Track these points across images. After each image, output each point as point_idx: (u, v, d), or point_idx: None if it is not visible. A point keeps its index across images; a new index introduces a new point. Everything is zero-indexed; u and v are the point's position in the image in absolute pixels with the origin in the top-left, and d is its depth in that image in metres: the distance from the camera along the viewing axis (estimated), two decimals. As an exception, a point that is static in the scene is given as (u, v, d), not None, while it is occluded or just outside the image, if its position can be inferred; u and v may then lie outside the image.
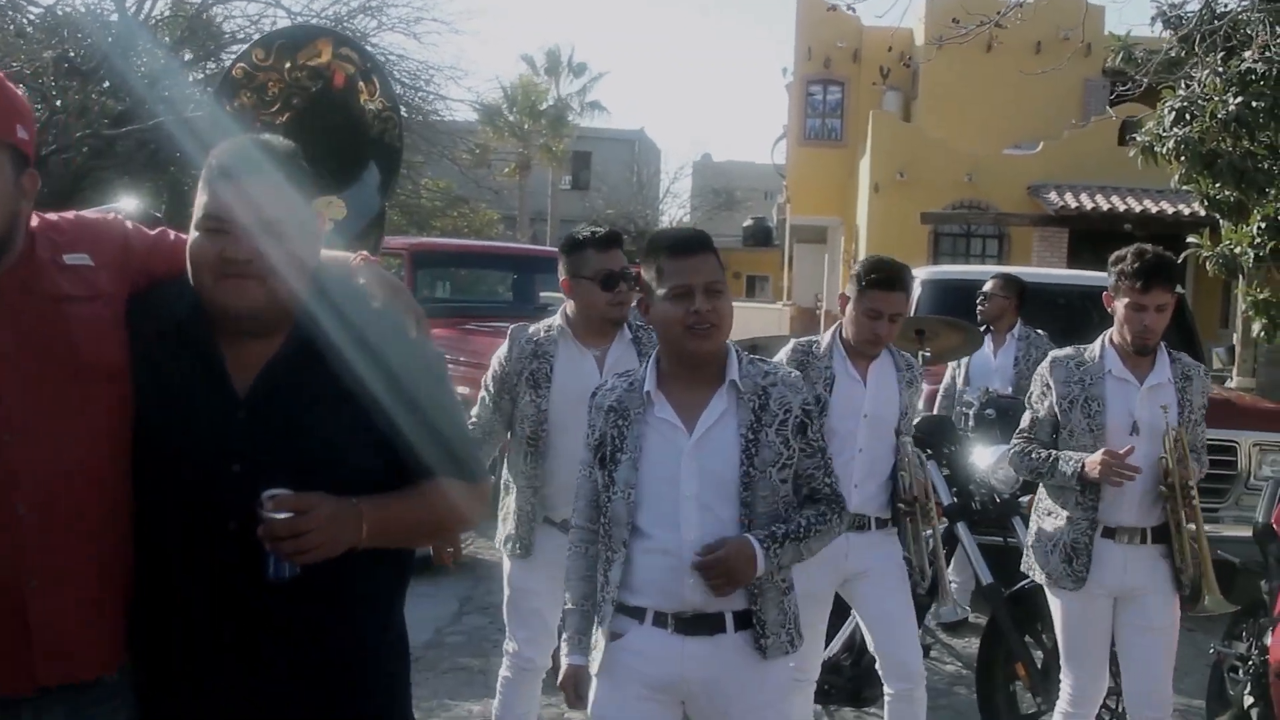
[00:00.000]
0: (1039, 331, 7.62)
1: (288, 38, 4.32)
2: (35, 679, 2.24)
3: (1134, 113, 22.37)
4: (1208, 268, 10.88)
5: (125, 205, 4.22)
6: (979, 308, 7.65)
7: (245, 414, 2.32)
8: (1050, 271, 13.55)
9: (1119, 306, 4.38)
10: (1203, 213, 19.64)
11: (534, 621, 4.53)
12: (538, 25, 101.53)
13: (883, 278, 4.47)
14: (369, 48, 15.72)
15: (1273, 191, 10.05)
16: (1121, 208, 21.10)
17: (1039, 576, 4.62)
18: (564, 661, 3.26)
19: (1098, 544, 4.42)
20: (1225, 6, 10.25)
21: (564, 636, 3.32)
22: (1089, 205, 21.33)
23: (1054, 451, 4.46)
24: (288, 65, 4.09)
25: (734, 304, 3.18)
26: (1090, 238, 21.41)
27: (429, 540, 2.52)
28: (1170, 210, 20.84)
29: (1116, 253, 4.39)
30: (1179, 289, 4.52)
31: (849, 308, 4.52)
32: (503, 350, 4.53)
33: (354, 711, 2.44)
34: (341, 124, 4.19)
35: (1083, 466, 4.31)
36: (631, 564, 3.10)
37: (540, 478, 4.44)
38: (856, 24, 29.46)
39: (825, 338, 4.70)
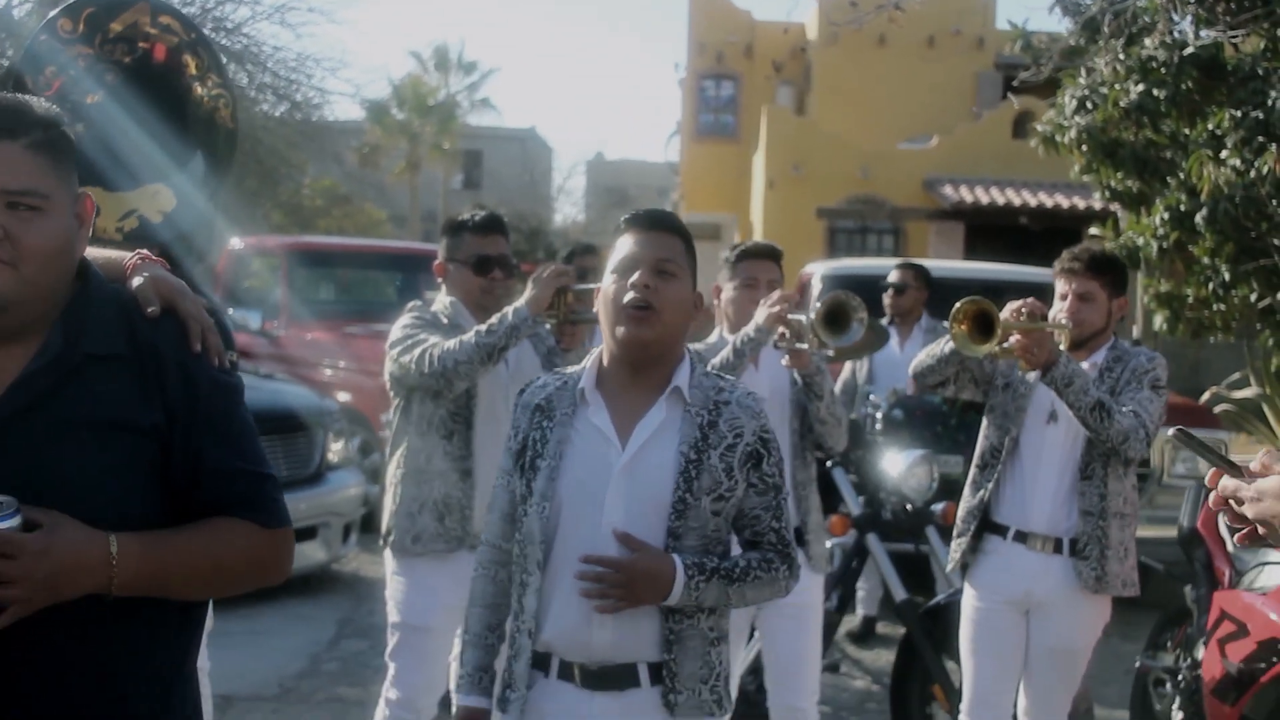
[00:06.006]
0: (944, 324, 7.24)
1: (98, 4, 3.85)
2: None
3: (1029, 106, 22.52)
4: (1111, 259, 10.60)
5: None
6: (888, 301, 7.26)
7: None
8: (951, 264, 13.27)
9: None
10: (1099, 206, 19.79)
11: (429, 664, 4.09)
12: (422, 21, 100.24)
13: (751, 248, 4.43)
14: (242, 39, 15.00)
15: (1174, 182, 9.82)
16: (1017, 201, 21.07)
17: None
18: (457, 701, 2.72)
19: (1008, 548, 4.07)
20: (1125, -8, 9.99)
21: (457, 674, 2.81)
22: (984, 199, 21.29)
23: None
24: (99, 38, 3.58)
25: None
26: (986, 232, 21.42)
27: (216, 592, 2.03)
28: (1066, 204, 20.88)
29: None
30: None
31: (724, 294, 4.36)
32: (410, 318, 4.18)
33: None
34: (165, 104, 3.75)
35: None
36: (540, 598, 2.62)
37: (469, 460, 4.02)
38: (748, 19, 29.40)
39: (713, 336, 4.42)
